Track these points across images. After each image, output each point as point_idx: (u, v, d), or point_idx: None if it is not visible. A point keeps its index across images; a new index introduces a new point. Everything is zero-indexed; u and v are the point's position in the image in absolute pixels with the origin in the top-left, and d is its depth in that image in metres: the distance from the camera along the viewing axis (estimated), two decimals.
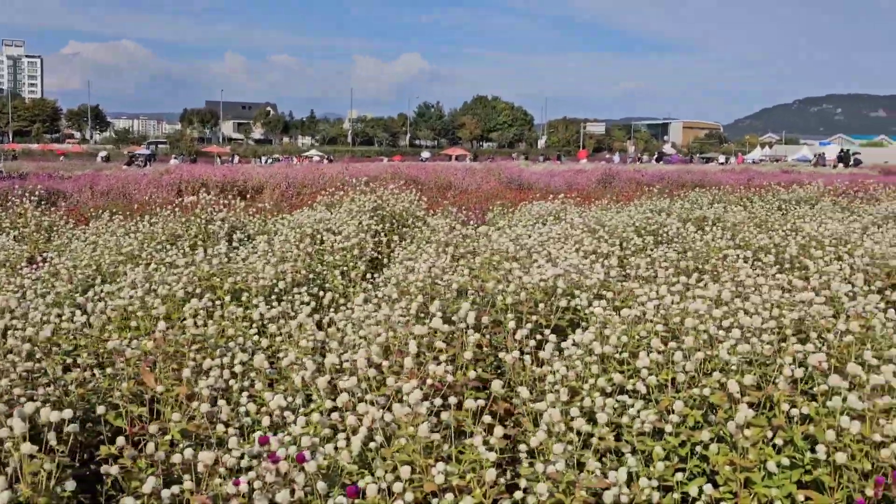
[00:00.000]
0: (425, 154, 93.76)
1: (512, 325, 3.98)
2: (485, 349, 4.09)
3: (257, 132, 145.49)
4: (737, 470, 2.93)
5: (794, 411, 3.04)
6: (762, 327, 3.59)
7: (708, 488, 2.82)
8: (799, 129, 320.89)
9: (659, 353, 3.46)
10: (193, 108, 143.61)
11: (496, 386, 3.11)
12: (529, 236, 7.04)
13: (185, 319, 4.04)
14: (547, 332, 3.96)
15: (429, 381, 3.21)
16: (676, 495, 2.99)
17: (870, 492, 2.74)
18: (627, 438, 3.26)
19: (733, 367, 3.30)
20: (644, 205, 12.56)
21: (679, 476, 3.05)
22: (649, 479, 3.00)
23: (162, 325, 3.82)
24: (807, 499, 2.91)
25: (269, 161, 65.28)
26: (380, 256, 8.20)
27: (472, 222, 10.88)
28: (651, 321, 3.81)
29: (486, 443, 2.76)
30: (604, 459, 3.20)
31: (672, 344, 3.48)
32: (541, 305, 4.47)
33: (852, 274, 4.93)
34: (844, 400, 2.98)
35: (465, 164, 39.93)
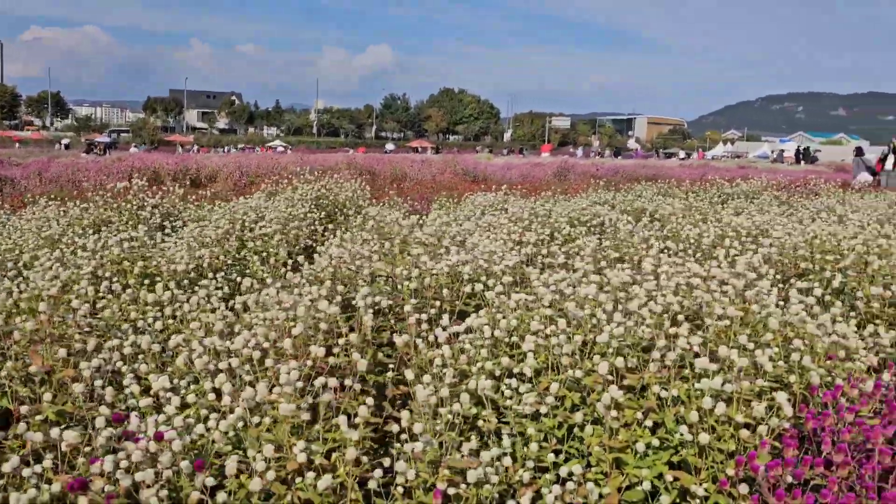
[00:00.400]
0: (389, 146, 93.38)
1: (409, 308, 4.00)
2: (385, 334, 4.11)
3: (222, 122, 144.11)
4: (607, 451, 2.98)
5: (666, 393, 3.09)
6: (648, 312, 3.64)
7: (577, 469, 2.86)
8: (761, 127, 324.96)
9: (545, 336, 3.50)
10: (157, 97, 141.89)
11: (362, 366, 3.12)
12: (460, 224, 7.07)
13: (71, 301, 4.00)
14: (446, 318, 3.98)
15: (308, 363, 3.21)
16: (551, 476, 3.02)
17: (731, 471, 2.79)
18: (507, 420, 3.29)
19: (610, 351, 3.34)
20: (590, 196, 12.66)
21: (553, 457, 3.09)
22: (525, 459, 3.04)
23: (43, 306, 3.78)
24: (675, 479, 2.96)
25: (233, 151, 64.82)
26: (314, 245, 8.18)
27: (418, 212, 10.90)
28: (544, 306, 3.85)
29: (351, 422, 2.77)
30: (489, 441, 3.24)
31: (553, 328, 3.52)
32: (445, 291, 4.50)
33: (764, 262, 5.01)
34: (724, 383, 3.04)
35: (424, 155, 39.83)
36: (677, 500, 2.97)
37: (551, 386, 3.13)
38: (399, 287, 4.73)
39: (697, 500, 2.87)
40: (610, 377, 3.10)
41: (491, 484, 2.77)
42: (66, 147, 56.33)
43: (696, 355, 3.18)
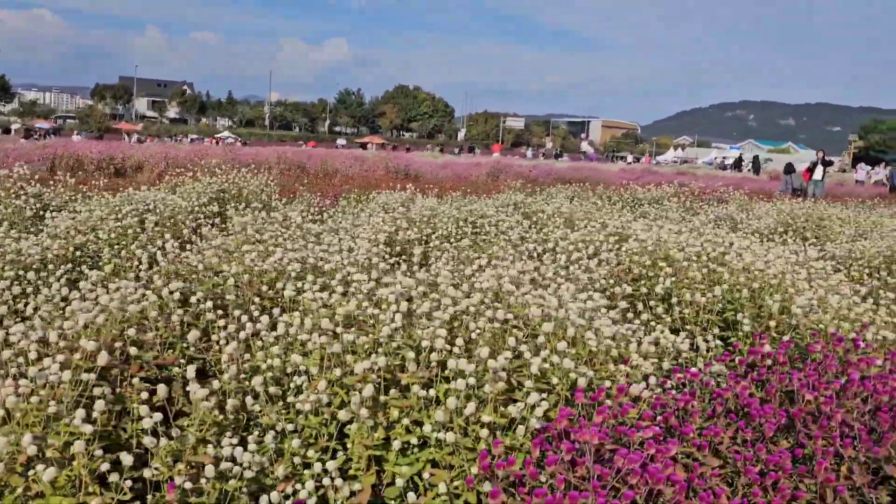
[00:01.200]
0: (341, 141, 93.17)
1: (208, 304, 4.03)
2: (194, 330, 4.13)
3: (173, 111, 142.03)
4: (364, 449, 3.03)
5: (424, 393, 3.16)
6: (435, 312, 3.71)
7: (332, 465, 2.91)
8: (713, 133, 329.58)
9: (333, 335, 3.55)
10: (106, 84, 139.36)
11: (102, 360, 3.12)
12: (321, 222, 7.10)
13: None
14: (262, 316, 4.02)
15: (77, 356, 3.22)
16: (310, 471, 3.06)
17: (475, 469, 2.87)
18: (289, 417, 3.34)
19: (380, 350, 3.40)
20: (501, 198, 12.77)
21: (318, 454, 3.14)
22: (292, 455, 3.09)
23: None
24: (431, 475, 3.03)
25: (185, 141, 64.06)
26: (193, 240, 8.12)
27: (325, 209, 10.87)
28: (343, 304, 3.90)
29: (88, 417, 2.78)
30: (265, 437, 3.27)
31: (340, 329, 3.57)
32: (265, 288, 4.54)
33: (598, 266, 5.13)
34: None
35: (361, 151, 39.48)
36: (435, 497, 3.03)
37: (320, 384, 3.17)
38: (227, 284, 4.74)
39: (447, 497, 2.94)
40: (375, 376, 3.15)
41: (236, 478, 2.80)
42: (6, 132, 55.14)
43: (461, 356, 3.25)
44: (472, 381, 3.00)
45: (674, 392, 3.53)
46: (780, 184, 27.88)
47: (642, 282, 5.16)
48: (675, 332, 4.47)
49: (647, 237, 5.77)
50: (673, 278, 4.85)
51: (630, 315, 4.50)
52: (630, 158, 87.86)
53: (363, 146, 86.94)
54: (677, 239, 5.67)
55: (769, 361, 3.94)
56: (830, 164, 28.25)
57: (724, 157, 76.45)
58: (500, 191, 15.01)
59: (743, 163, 62.75)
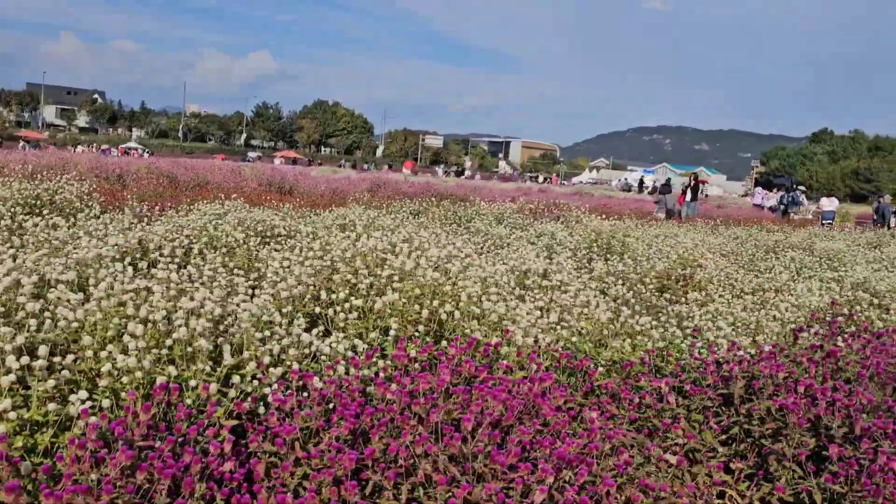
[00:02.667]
0: (252, 154, 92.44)
1: None
2: None
3: (82, 120, 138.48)
4: None
5: None
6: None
7: None
8: (630, 156, 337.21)
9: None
10: (11, 90, 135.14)
11: None
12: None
13: None
14: None
15: None
16: None
17: None
18: None
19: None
20: (339, 210, 12.88)
21: None
22: None
23: None
24: None
25: (85, 150, 62.62)
26: None
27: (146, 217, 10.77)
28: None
29: None
30: None
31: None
32: None
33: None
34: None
35: (242, 164, 38.87)
36: None
37: None
38: None
39: None
40: None
41: None
42: None
43: None
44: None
45: None
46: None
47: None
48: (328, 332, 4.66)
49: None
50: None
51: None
52: (541, 178, 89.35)
53: (282, 160, 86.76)
54: (382, 247, 5.86)
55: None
56: (698, 188, 29.12)
57: (626, 179, 78.68)
58: (344, 205, 15.11)
59: (644, 185, 64.46)
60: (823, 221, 28.02)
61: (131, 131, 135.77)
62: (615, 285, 7.38)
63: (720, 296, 7.82)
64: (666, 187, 28.54)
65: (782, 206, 30.69)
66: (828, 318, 6.28)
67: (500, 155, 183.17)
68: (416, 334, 4.50)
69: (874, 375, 4.63)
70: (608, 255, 9.82)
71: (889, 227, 26.56)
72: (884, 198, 32.54)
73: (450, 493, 2.94)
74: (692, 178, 29.74)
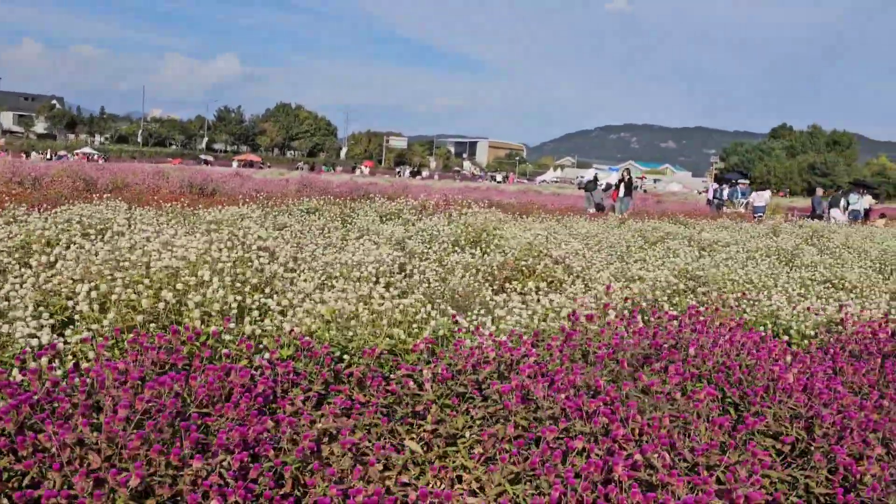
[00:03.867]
0: (208, 158, 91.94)
1: None
2: None
3: (41, 126, 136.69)
4: None
5: None
6: None
7: None
8: (597, 155, 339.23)
9: None
10: None
11: None
12: None
13: None
14: None
15: None
16: None
17: None
18: None
19: None
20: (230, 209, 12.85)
21: None
22: None
23: None
24: None
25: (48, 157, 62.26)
26: None
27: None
28: None
29: None
30: None
31: None
32: None
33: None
34: None
35: (166, 167, 38.15)
36: None
37: None
38: None
39: None
40: None
41: None
42: None
43: None
44: None
45: None
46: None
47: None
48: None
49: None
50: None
51: None
52: (499, 178, 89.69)
53: (242, 164, 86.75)
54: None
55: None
56: (631, 183, 29.36)
57: (582, 178, 79.29)
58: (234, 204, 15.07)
59: (598, 182, 64.82)
60: (754, 215, 28.38)
61: (94, 136, 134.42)
62: (452, 274, 7.40)
63: (572, 284, 7.88)
64: (592, 183, 28.78)
65: (716, 201, 31.02)
66: (626, 305, 6.36)
67: (465, 155, 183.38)
68: (138, 323, 4.48)
69: (619, 357, 4.67)
70: (474, 247, 9.86)
71: (820, 218, 27.16)
72: (818, 191, 33.20)
73: None
74: (624, 173, 30.02)
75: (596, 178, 30.86)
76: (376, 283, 6.17)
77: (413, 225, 12.13)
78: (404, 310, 5.46)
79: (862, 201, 29.49)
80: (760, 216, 27.74)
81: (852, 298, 7.85)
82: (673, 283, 7.04)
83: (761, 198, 29.37)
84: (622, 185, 28.70)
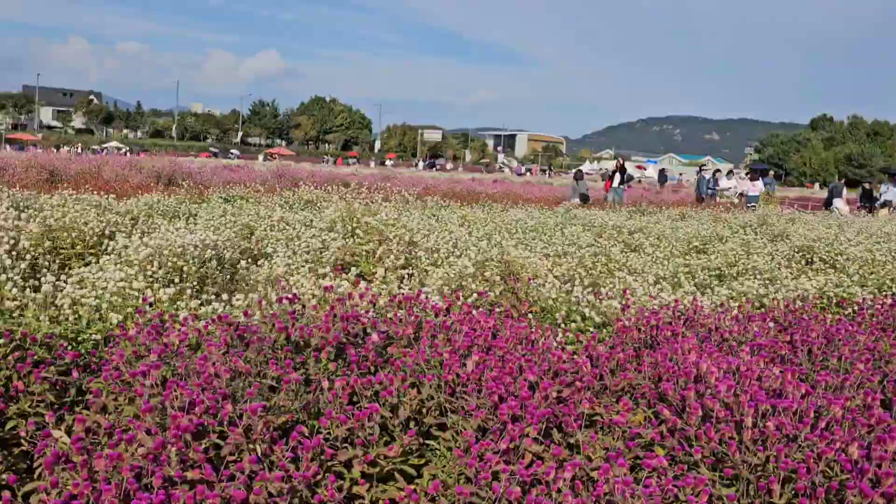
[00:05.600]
0: (235, 151, 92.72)
1: None
2: None
3: (79, 121, 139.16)
4: None
5: None
6: None
7: None
8: (639, 147, 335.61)
9: None
10: (6, 93, 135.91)
11: None
12: None
13: None
14: None
15: None
16: None
17: None
18: None
19: None
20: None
21: None
22: None
23: None
24: None
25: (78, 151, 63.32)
26: None
27: None
28: None
29: None
30: None
31: None
32: None
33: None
34: None
35: (146, 158, 37.88)
36: None
37: None
38: None
39: None
40: None
41: None
42: None
43: None
44: None
45: None
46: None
47: None
48: None
49: None
50: None
51: None
52: (522, 169, 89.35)
53: (270, 157, 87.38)
54: None
55: None
56: (625, 173, 28.92)
57: (605, 169, 78.69)
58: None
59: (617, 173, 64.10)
60: (747, 204, 27.69)
61: (135, 131, 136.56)
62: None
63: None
64: (579, 173, 28.45)
65: (709, 191, 30.37)
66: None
67: (500, 148, 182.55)
68: None
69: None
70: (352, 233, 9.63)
71: (829, 208, 26.64)
72: (836, 180, 32.38)
73: None
74: (618, 163, 29.59)
75: (580, 170, 30.59)
76: None
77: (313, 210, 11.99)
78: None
79: (894, 191, 28.63)
80: (753, 206, 27.06)
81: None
82: (469, 270, 6.69)
83: (755, 188, 28.57)
84: (616, 174, 28.26)
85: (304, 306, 5.20)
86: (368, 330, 4.60)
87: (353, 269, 7.21)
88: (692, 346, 4.31)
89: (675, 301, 6.21)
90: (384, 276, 7.45)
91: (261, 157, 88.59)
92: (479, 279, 6.63)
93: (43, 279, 5.74)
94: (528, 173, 78.68)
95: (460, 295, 6.33)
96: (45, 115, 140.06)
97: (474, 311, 5.51)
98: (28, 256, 6.76)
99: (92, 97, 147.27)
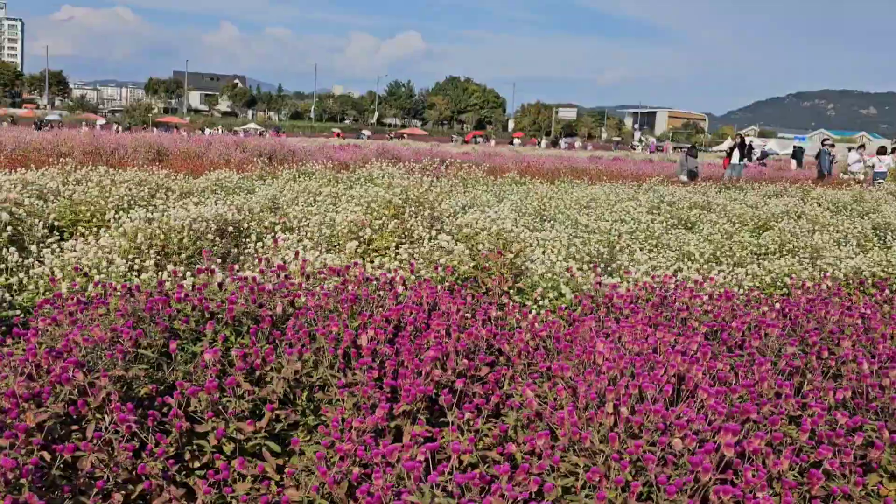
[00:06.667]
0: (366, 132, 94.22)
1: None
2: None
3: (224, 105, 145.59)
4: None
5: None
6: None
7: None
8: (786, 123, 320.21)
9: None
10: (158, 78, 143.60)
11: None
12: None
13: None
14: None
15: None
16: None
17: None
18: None
19: None
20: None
21: None
22: None
23: None
24: None
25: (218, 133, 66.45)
26: None
27: None
28: None
29: None
30: None
31: None
32: None
33: None
34: None
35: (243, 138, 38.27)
36: None
37: None
38: None
39: None
40: None
41: None
42: (13, 122, 57.29)
43: None
44: None
45: None
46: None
47: None
48: None
49: None
50: None
51: None
52: (654, 147, 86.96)
53: (401, 137, 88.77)
54: None
55: None
56: (745, 148, 27.68)
57: (729, 146, 75.50)
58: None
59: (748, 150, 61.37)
60: (875, 181, 25.96)
61: (278, 113, 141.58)
62: None
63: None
64: (692, 149, 27.33)
65: (829, 166, 28.76)
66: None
67: (636, 126, 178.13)
68: None
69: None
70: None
71: None
72: None
73: None
74: (737, 139, 28.41)
75: (694, 146, 29.37)
76: None
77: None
78: None
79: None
80: (880, 182, 25.35)
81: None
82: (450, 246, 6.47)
83: (882, 163, 26.71)
84: (735, 151, 27.17)
85: (287, 276, 5.15)
86: (277, 305, 4.48)
87: (353, 242, 7.14)
88: (591, 327, 3.98)
89: (666, 277, 5.80)
90: (395, 250, 7.34)
91: (391, 137, 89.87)
92: (467, 255, 6.40)
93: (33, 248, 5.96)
94: (659, 151, 76.37)
95: (451, 269, 6.15)
96: (194, 99, 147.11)
97: (439, 287, 5.33)
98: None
99: (237, 81, 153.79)
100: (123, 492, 3.21)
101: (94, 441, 3.20)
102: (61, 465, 3.16)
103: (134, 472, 3.25)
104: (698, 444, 2.89)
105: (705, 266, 7.47)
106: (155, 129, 71.29)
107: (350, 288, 4.81)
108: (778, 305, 5.18)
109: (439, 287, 5.30)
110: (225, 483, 3.40)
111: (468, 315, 4.70)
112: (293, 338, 4.00)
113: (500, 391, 3.73)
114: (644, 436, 3.03)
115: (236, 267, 5.98)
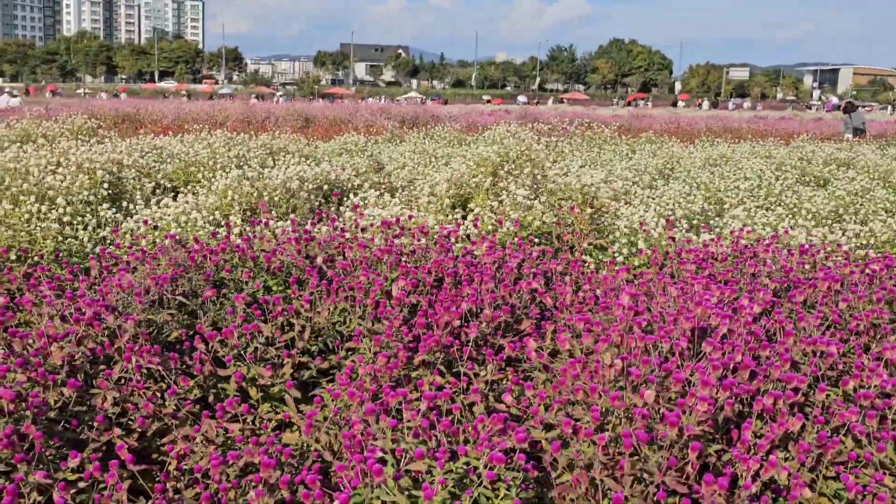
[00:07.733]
0: (522, 98, 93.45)
1: None
2: None
3: (388, 75, 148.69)
4: None
5: None
6: None
7: None
8: None
9: None
10: (326, 51, 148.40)
11: None
12: None
13: None
14: None
15: None
16: None
17: None
18: None
19: None
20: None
21: None
22: None
23: None
24: None
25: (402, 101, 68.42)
26: None
27: None
28: None
29: None
30: None
31: None
32: None
33: None
34: None
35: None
36: None
37: None
38: None
39: None
40: None
41: None
42: (188, 97, 60.84)
43: None
44: None
45: None
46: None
47: None
48: None
49: None
50: None
51: None
52: (831, 106, 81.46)
53: (561, 101, 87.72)
54: None
55: None
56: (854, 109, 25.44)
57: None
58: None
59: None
60: None
61: (441, 81, 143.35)
62: None
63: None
64: (850, 105, 25.35)
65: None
66: None
67: (814, 84, 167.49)
68: None
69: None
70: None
71: None
72: None
73: None
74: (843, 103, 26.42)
75: (853, 102, 27.26)
76: None
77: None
78: None
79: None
80: None
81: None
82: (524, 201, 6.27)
83: None
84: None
85: (363, 230, 5.24)
86: (317, 255, 4.51)
87: (447, 200, 7.10)
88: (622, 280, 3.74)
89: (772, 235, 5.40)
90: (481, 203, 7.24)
91: (550, 102, 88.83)
92: (545, 211, 6.22)
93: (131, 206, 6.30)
94: (836, 110, 71.49)
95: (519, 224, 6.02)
96: (359, 70, 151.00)
97: (507, 243, 5.21)
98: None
99: (400, 51, 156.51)
100: (139, 430, 3.33)
101: (109, 379, 3.34)
102: (84, 402, 3.33)
103: (155, 412, 3.37)
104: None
105: (817, 225, 6.93)
106: (321, 99, 73.72)
107: (403, 241, 4.79)
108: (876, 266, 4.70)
109: (504, 242, 5.19)
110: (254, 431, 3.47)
111: (526, 270, 4.57)
112: (329, 288, 4.02)
113: (519, 342, 3.59)
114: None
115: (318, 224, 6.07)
